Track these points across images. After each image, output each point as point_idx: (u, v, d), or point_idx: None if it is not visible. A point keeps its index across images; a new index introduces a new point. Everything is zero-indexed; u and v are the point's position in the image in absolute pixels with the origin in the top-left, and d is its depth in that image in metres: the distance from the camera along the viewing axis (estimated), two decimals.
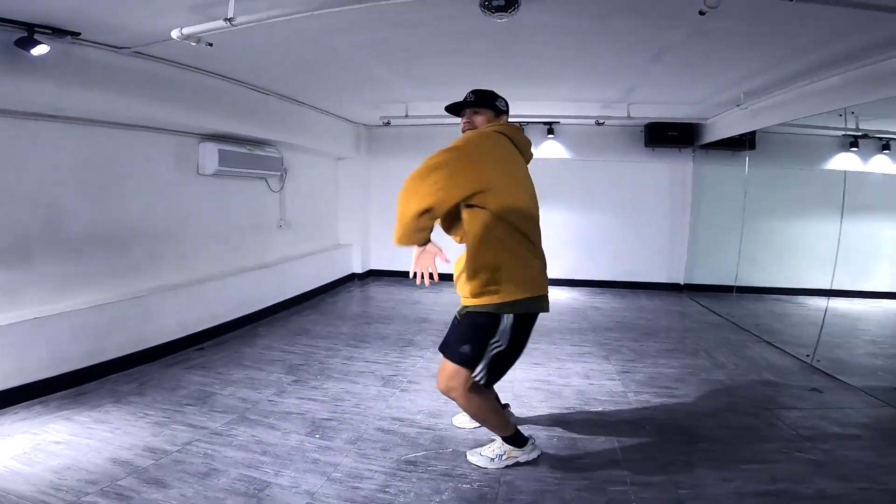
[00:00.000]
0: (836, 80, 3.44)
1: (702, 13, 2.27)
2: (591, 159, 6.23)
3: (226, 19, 2.38)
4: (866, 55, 3.01)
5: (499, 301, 1.86)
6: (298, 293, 5.33)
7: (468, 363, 1.91)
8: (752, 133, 5.16)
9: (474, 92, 2.09)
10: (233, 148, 4.27)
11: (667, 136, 5.81)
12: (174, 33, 2.52)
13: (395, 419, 2.62)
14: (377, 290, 6.16)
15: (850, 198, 3.83)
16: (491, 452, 2.16)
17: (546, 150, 6.13)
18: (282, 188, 5.19)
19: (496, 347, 1.89)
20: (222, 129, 4.06)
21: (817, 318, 3.86)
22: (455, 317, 2.03)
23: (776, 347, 3.96)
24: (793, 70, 3.44)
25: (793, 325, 4.77)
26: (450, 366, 1.96)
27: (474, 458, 2.17)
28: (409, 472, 2.10)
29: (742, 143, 5.37)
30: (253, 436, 2.40)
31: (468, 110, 2.06)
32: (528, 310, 1.89)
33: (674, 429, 2.51)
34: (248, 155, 4.46)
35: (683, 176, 6.26)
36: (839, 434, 2.42)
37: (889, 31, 2.55)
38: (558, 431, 2.46)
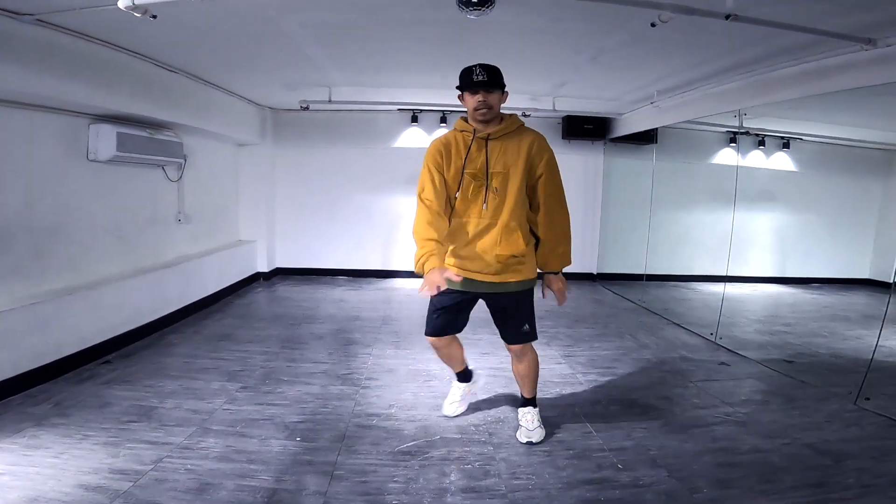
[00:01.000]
0: (734, 85, 4.34)
1: (653, 25, 2.84)
2: None
3: None
4: (759, 65, 3.86)
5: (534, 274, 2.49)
6: (203, 296, 5.22)
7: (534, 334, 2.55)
8: (656, 129, 6.13)
9: (483, 67, 2.23)
10: (133, 131, 4.09)
11: (583, 128, 6.63)
12: (122, 3, 2.51)
13: (370, 415, 2.88)
14: (289, 290, 6.19)
15: (732, 191, 4.82)
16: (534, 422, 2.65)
17: None
18: (181, 177, 5.03)
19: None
20: (122, 110, 3.88)
21: (712, 302, 4.80)
22: (499, 301, 2.47)
23: (685, 328, 4.86)
24: (701, 73, 4.25)
25: (694, 308, 5.82)
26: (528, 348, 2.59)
27: (533, 436, 2.60)
28: (408, 461, 2.41)
29: (648, 138, 6.33)
30: (228, 446, 2.51)
31: (482, 90, 2.24)
32: None
33: (625, 402, 3.11)
34: (149, 139, 4.29)
35: (595, 167, 7.16)
36: (752, 400, 3.19)
37: (780, 44, 3.35)
38: None
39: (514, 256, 2.34)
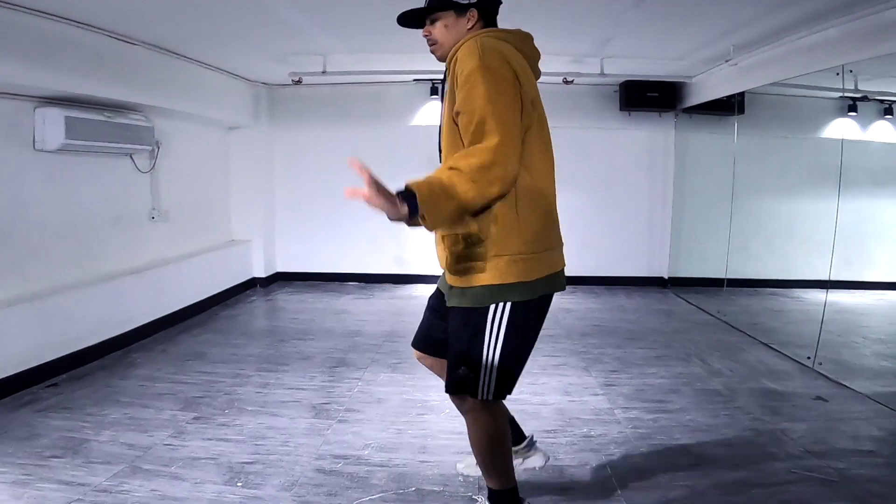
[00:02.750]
0: (834, 33, 3.90)
1: None
2: (557, 125, 6.50)
3: None
4: (866, 4, 3.44)
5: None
6: (183, 306, 5.24)
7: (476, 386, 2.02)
8: (742, 95, 5.69)
9: None
10: (85, 115, 4.12)
11: (646, 97, 6.25)
12: None
13: (336, 457, 2.72)
14: (288, 299, 6.17)
15: (848, 171, 4.34)
16: None
17: None
18: (153, 167, 5.05)
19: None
20: (70, 90, 3.91)
21: (815, 314, 4.37)
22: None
23: (774, 349, 4.44)
24: (786, 20, 3.87)
25: (791, 322, 5.36)
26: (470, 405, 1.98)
27: None
28: None
29: (730, 107, 5.90)
30: (153, 490, 2.41)
31: (427, 20, 1.90)
32: None
33: (670, 449, 2.80)
34: (106, 123, 4.31)
35: (665, 145, 6.77)
36: (850, 450, 2.79)
37: None
38: None
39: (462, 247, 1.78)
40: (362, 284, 6.86)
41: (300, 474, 2.56)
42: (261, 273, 6.72)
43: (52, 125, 3.91)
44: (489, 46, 1.69)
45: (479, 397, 1.85)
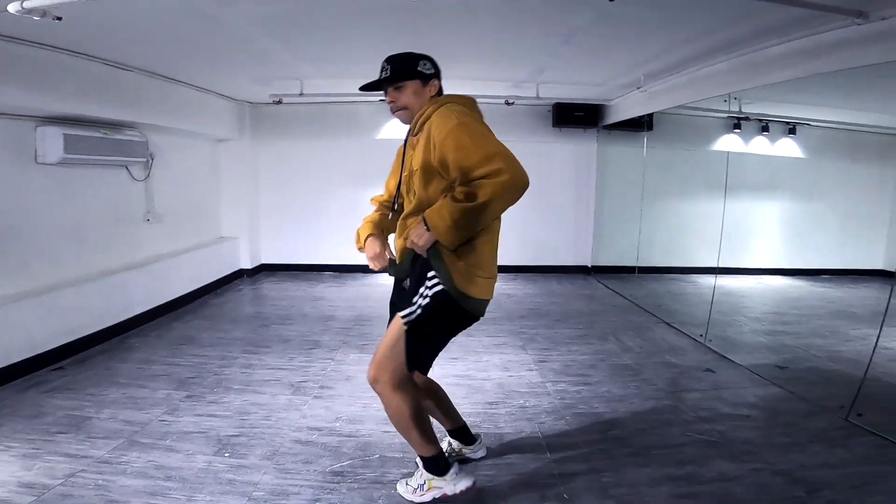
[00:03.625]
0: (723, 66, 4.05)
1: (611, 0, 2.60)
2: (501, 140, 6.60)
3: None
4: (749, 43, 3.57)
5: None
6: (176, 296, 5.09)
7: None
8: (651, 115, 5.84)
9: (389, 60, 1.91)
10: (82, 132, 3.94)
11: (573, 116, 6.36)
12: (12, 7, 2.35)
13: (312, 429, 2.72)
14: (271, 287, 6.06)
15: (733, 178, 4.53)
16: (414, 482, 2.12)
17: None
18: (148, 176, 4.87)
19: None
20: (68, 111, 3.76)
21: (708, 296, 4.54)
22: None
23: (674, 328, 4.61)
24: (685, 55, 3.97)
25: (688, 304, 5.55)
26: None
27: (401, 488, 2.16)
28: (338, 483, 2.23)
29: (641, 125, 6.06)
30: (150, 461, 2.37)
31: (390, 87, 1.92)
32: None
33: (590, 417, 2.89)
34: (102, 140, 4.14)
35: (588, 156, 6.87)
36: (731, 415, 2.92)
37: (770, 20, 3.06)
38: (484, 428, 2.72)
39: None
40: (336, 274, 6.78)
41: (280, 445, 2.55)
42: (247, 265, 6.56)
43: (51, 141, 3.74)
44: (458, 110, 1.81)
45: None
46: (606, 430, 2.75)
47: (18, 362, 3.39)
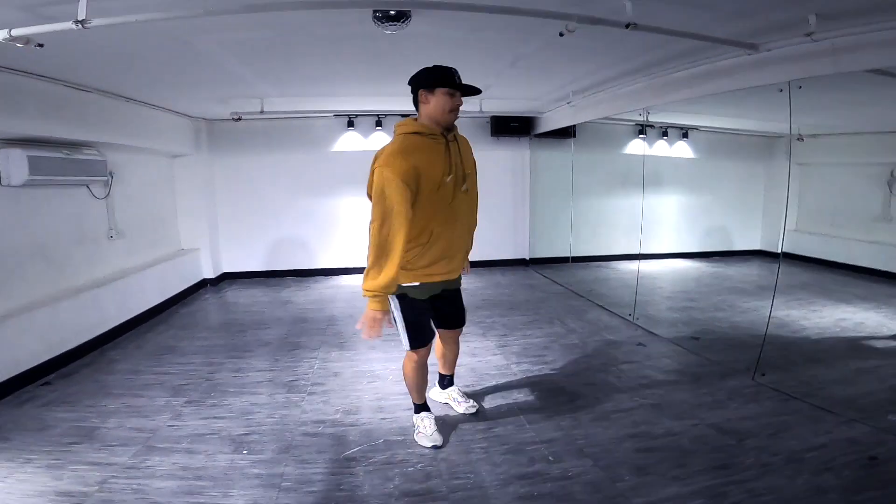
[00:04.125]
0: (639, 86, 4.46)
1: (561, 34, 2.85)
2: None
3: (77, 21, 2.20)
4: (659, 67, 3.99)
5: None
6: (145, 308, 4.90)
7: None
8: (575, 124, 6.26)
9: (457, 72, 2.29)
10: (46, 153, 3.74)
11: (509, 126, 6.66)
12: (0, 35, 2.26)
13: (316, 422, 2.81)
14: (237, 295, 5.93)
15: (638, 176, 5.00)
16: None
17: None
18: (108, 194, 4.65)
19: None
20: (30, 133, 3.57)
21: (630, 281, 4.97)
22: (457, 290, 2.66)
23: (607, 310, 5.03)
24: (609, 75, 4.33)
25: (614, 288, 6.03)
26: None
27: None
28: (353, 467, 2.37)
29: (568, 133, 6.47)
30: (174, 463, 2.39)
31: (460, 93, 2.31)
32: None
33: (555, 391, 3.18)
34: (65, 160, 3.94)
35: (523, 161, 7.22)
36: (665, 381, 3.31)
37: (676, 49, 3.44)
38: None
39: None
40: (298, 278, 6.71)
41: (291, 439, 2.63)
42: (210, 274, 6.35)
43: (16, 163, 3.53)
44: None
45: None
46: (570, 400, 3.04)
47: (6, 380, 3.23)
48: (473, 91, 2.25)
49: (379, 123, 6.32)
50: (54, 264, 4.01)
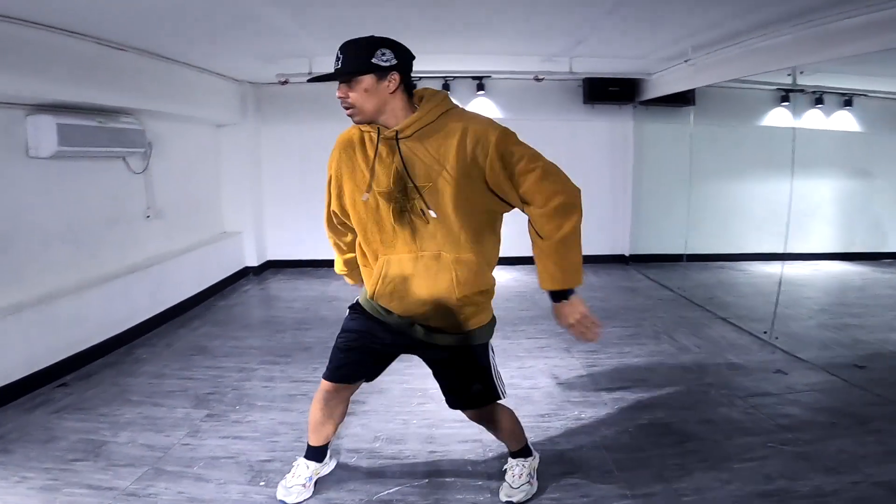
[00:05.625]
0: (786, 39, 3.93)
1: None
2: (525, 118, 6.49)
3: None
4: (816, 14, 3.47)
5: (489, 317, 2.06)
6: (180, 300, 5.06)
7: (493, 395, 2.08)
8: (694, 88, 5.73)
9: (344, 48, 1.71)
10: (78, 121, 3.85)
11: (607, 91, 6.25)
12: None
13: (350, 451, 2.67)
14: (281, 287, 6.02)
15: (784, 155, 4.49)
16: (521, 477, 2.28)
17: (475, 108, 6.28)
18: (146, 168, 4.81)
19: (493, 356, 2.10)
20: (61, 97, 3.67)
21: (764, 287, 4.45)
22: (444, 359, 2.06)
23: (733, 324, 4.53)
24: (743, 25, 3.87)
25: (743, 296, 5.48)
26: (477, 413, 2.15)
27: (515, 496, 2.23)
28: None
29: (685, 99, 5.95)
30: (180, 492, 2.33)
31: (339, 81, 1.72)
32: None
33: (657, 428, 2.83)
34: (99, 129, 4.06)
35: (624, 134, 6.79)
36: (815, 422, 2.86)
37: None
38: (540, 444, 2.66)
39: (480, 293, 1.96)
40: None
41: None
42: (253, 262, 6.54)
43: (44, 133, 3.65)
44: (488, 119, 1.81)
45: (503, 397, 2.10)
46: (677, 442, 2.69)
47: (19, 380, 3.35)
48: (348, 63, 1.70)
49: (446, 86, 6.15)
50: (83, 247, 4.16)
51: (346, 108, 1.75)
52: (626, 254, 6.98)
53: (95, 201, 4.29)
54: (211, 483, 2.41)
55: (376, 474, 2.47)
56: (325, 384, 2.14)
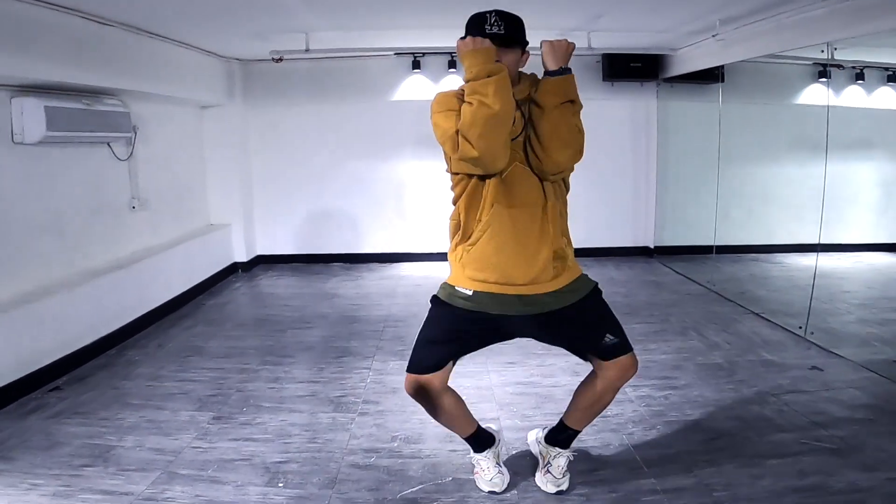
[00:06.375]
0: (820, 13, 4.13)
1: None
2: None
3: None
4: None
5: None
6: (169, 298, 5.28)
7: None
8: (723, 64, 5.92)
9: (502, 16, 2.05)
10: (65, 104, 4.06)
11: (629, 67, 6.45)
12: None
13: (368, 451, 2.89)
14: (273, 284, 6.24)
15: (820, 135, 4.68)
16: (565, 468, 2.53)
17: None
18: (131, 154, 5.02)
19: None
20: (46, 77, 3.85)
21: (800, 280, 4.65)
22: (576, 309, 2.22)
23: (766, 319, 4.76)
24: None
25: (777, 289, 5.70)
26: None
27: (563, 484, 2.50)
28: None
29: (713, 75, 6.12)
30: (198, 496, 2.54)
31: (497, 46, 2.00)
32: None
33: (685, 425, 3.06)
34: (86, 112, 4.27)
35: (647, 114, 6.98)
36: (852, 418, 3.08)
37: None
38: None
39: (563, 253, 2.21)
40: (347, 265, 6.95)
41: (337, 471, 2.71)
42: (242, 257, 6.75)
43: (31, 116, 3.83)
44: None
45: (633, 349, 2.26)
46: (708, 439, 2.91)
47: (10, 383, 3.54)
48: (510, 33, 2.06)
49: (453, 64, 6.33)
50: (69, 239, 4.36)
51: None
52: (651, 245, 7.19)
53: (80, 190, 4.48)
54: (228, 485, 2.62)
55: (398, 473, 2.68)
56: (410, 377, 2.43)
